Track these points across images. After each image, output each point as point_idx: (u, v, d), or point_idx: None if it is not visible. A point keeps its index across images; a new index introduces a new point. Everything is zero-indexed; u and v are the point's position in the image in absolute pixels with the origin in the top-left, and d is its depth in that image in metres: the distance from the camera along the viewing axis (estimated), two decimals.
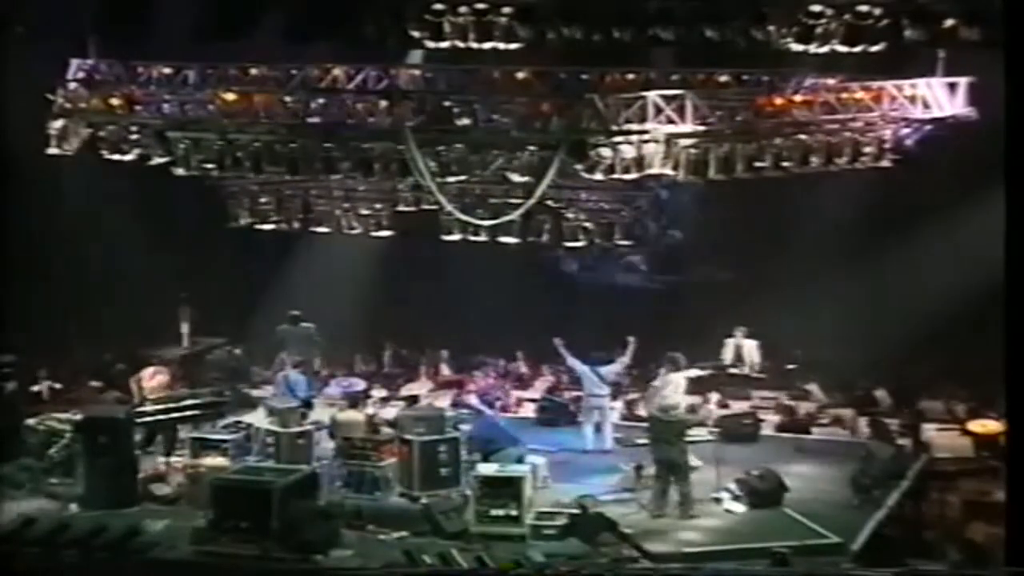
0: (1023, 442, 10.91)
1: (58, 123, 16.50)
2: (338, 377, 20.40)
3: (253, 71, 16.39)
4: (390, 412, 16.86)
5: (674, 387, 16.59)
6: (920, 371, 19.91)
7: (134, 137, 16.49)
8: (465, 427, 15.78)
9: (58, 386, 19.79)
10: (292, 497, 13.16)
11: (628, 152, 15.08)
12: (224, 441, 15.47)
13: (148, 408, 16.33)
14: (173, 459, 15.74)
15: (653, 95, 15.06)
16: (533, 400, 19.75)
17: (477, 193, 19.47)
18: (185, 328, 21.22)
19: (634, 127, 14.98)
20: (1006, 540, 10.93)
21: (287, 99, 16.01)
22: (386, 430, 15.60)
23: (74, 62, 16.58)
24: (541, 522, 13.62)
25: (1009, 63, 11.02)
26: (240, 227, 20.81)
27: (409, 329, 22.55)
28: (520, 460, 14.79)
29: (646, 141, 15.04)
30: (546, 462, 15.67)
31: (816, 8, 12.81)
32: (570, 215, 20.25)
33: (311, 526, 12.91)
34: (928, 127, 15.68)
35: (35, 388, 19.19)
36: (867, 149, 15.78)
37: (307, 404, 17.00)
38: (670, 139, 15.05)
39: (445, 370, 21.42)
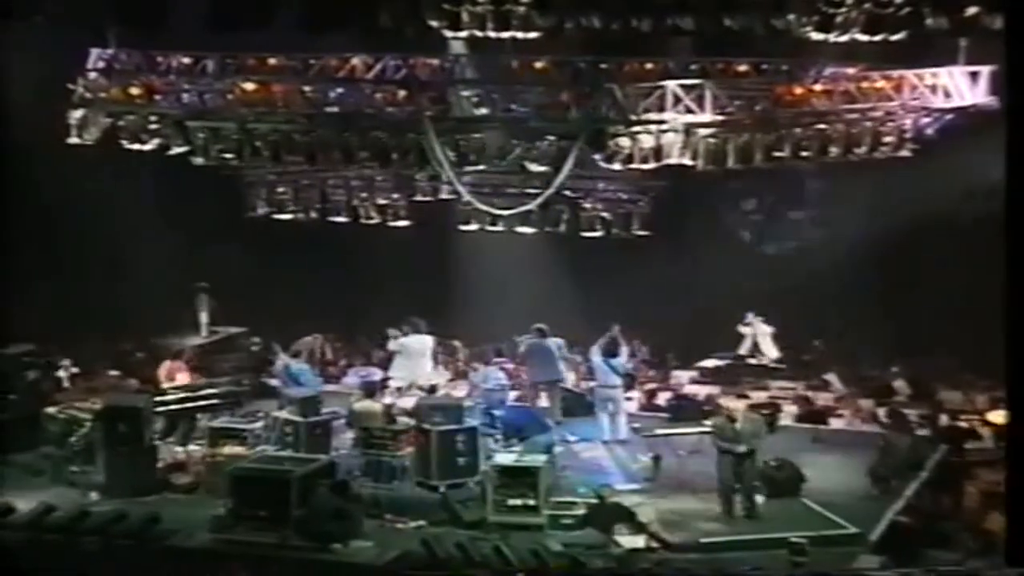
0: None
1: (78, 113, 16.56)
2: (356, 367, 20.43)
3: (272, 61, 16.41)
4: (408, 402, 16.88)
5: None
6: (939, 361, 19.84)
7: (153, 127, 16.53)
8: (498, 412, 15.83)
9: (78, 374, 19.91)
10: (311, 486, 13.21)
11: (647, 142, 15.06)
12: (243, 430, 15.52)
13: (168, 397, 16.39)
14: (192, 448, 15.80)
15: (672, 85, 15.03)
16: None
17: (495, 183, 19.48)
18: (203, 317, 21.28)
19: (653, 117, 14.96)
20: (1009, 539, 10.86)
21: (305, 89, 16.03)
22: (404, 420, 15.62)
23: (94, 52, 16.63)
24: (558, 512, 13.62)
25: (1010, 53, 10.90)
26: (257, 217, 20.87)
27: (424, 319, 22.55)
28: (549, 449, 14.78)
29: (665, 131, 15.02)
30: (563, 452, 15.72)
31: None
32: (588, 205, 20.25)
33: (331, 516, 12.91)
34: (949, 116, 15.59)
35: (55, 377, 19.28)
36: (887, 139, 15.70)
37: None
38: (689, 129, 15.02)
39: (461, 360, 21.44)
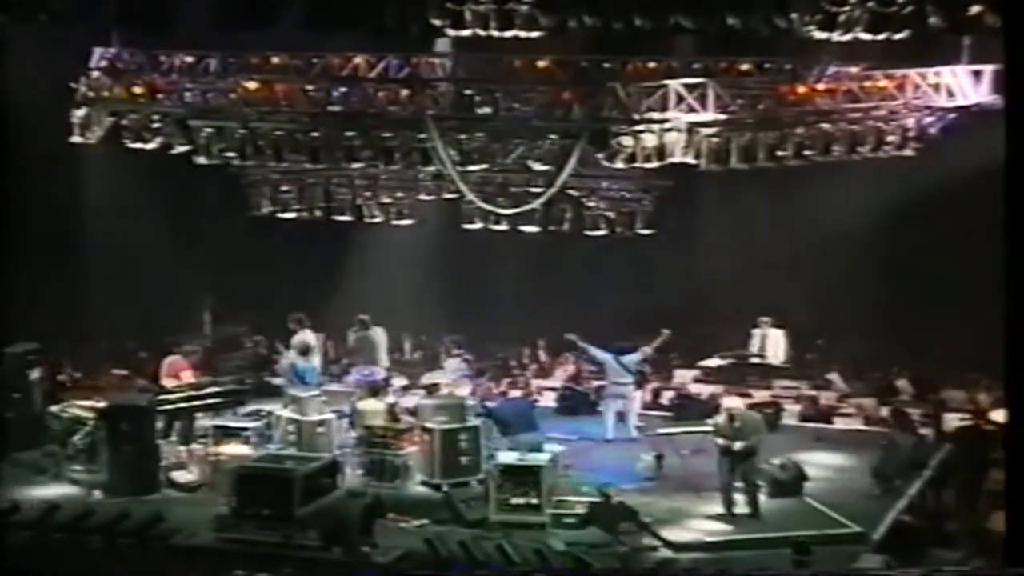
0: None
1: (81, 112, 16.60)
2: (359, 365, 20.39)
3: (275, 60, 16.43)
4: (411, 401, 16.89)
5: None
6: (942, 360, 19.82)
7: (156, 125, 16.58)
8: (491, 404, 15.85)
9: (81, 374, 19.92)
10: (315, 486, 13.21)
11: (649, 141, 15.09)
12: (245, 429, 15.52)
13: (170, 396, 16.39)
14: (195, 447, 15.80)
15: (675, 84, 15.03)
16: (554, 389, 19.73)
17: (498, 182, 19.50)
18: (207, 316, 21.29)
19: (655, 116, 14.97)
20: (1009, 539, 10.86)
21: (309, 88, 16.05)
22: (407, 419, 15.62)
23: (97, 51, 16.67)
24: (561, 511, 13.62)
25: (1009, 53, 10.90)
26: (261, 215, 20.88)
27: (428, 318, 22.56)
28: (536, 448, 14.79)
29: (667, 130, 15.04)
30: (566, 450, 15.71)
31: None
32: (591, 204, 20.26)
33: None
34: (952, 115, 15.58)
35: (59, 376, 19.28)
36: (890, 138, 15.70)
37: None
38: (692, 128, 15.04)
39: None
